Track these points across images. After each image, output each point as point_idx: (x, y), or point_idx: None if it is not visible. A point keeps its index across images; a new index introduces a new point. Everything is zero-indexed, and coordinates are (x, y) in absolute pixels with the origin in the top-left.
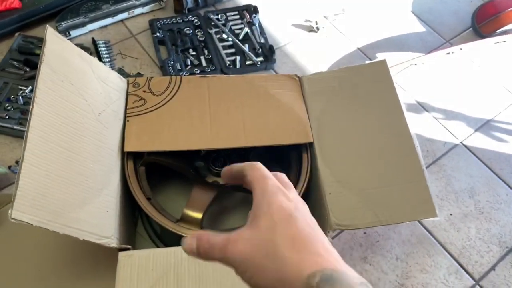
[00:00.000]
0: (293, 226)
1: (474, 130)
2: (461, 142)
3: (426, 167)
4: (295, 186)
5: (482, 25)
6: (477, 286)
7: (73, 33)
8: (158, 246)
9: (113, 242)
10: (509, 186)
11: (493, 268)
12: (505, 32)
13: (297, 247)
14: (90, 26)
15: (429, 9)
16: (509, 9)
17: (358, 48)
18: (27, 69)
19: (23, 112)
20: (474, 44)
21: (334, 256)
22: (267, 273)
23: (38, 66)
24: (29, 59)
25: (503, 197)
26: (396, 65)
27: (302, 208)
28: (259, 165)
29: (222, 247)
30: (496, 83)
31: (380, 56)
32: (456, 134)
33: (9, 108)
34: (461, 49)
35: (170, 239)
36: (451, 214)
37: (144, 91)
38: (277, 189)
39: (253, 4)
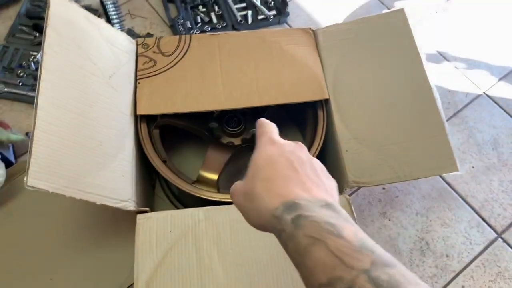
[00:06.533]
0: (271, 169)
1: (498, 80)
2: (484, 93)
3: (448, 119)
4: (311, 144)
5: None
6: (500, 238)
7: None
8: (177, 208)
9: (130, 205)
10: None
11: None
12: None
13: (270, 187)
14: None
15: None
16: None
17: None
18: (37, 34)
19: (36, 78)
20: None
21: (307, 187)
22: (251, 213)
23: (44, 30)
24: (38, 24)
25: None
26: (416, 13)
27: (290, 154)
28: (262, 122)
29: (231, 198)
30: None
31: (398, 5)
32: (479, 84)
33: (21, 74)
34: None
35: (188, 201)
36: (473, 167)
37: (154, 52)
38: (266, 141)
39: None
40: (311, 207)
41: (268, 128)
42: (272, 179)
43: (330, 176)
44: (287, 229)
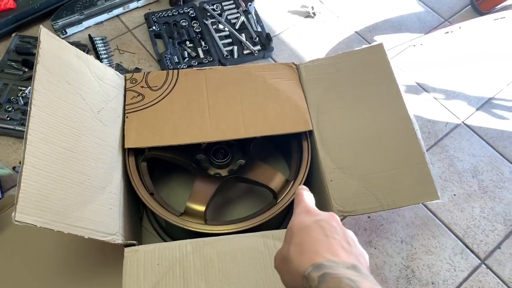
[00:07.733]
0: (304, 235)
1: (476, 109)
2: (462, 122)
3: (428, 149)
4: (297, 174)
5: (481, 2)
6: (483, 265)
7: (70, 31)
8: (164, 240)
9: (118, 239)
10: None
11: (498, 246)
12: (504, 8)
13: (302, 251)
14: (86, 23)
15: None
16: None
17: (356, 32)
18: (26, 70)
19: (24, 113)
20: (473, 21)
21: (336, 252)
22: (286, 276)
23: (34, 67)
24: (27, 59)
25: (507, 175)
26: (394, 47)
27: (323, 222)
28: (299, 191)
29: (274, 262)
30: (496, 60)
31: (378, 39)
32: (458, 114)
33: (10, 109)
34: (460, 27)
35: (176, 233)
36: (454, 195)
37: (142, 87)
38: (302, 210)
39: None
40: (336, 267)
41: (304, 197)
42: (304, 244)
43: (361, 247)
44: (313, 285)
